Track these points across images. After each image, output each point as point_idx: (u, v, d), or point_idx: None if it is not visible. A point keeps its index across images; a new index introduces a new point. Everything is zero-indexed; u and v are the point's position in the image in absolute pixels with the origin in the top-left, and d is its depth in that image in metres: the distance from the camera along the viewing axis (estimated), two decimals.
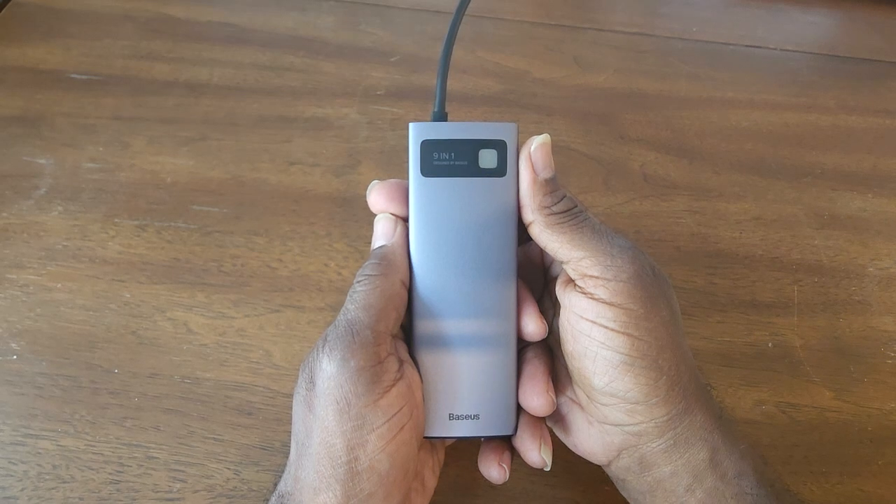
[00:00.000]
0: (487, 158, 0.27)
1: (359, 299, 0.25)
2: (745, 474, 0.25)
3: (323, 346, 0.25)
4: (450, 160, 0.27)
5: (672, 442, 0.25)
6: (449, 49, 0.27)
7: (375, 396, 0.24)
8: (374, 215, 0.28)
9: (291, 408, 0.26)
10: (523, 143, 0.27)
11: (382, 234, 0.27)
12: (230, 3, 0.57)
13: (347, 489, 0.23)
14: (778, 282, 0.41)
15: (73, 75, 0.50)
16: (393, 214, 0.28)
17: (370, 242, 0.28)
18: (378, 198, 0.28)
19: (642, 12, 0.61)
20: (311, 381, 0.24)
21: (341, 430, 0.23)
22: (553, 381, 0.27)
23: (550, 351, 0.29)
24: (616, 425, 0.26)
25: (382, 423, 0.24)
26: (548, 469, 0.27)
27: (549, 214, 0.26)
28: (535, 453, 0.27)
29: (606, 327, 0.25)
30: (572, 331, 0.26)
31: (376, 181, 0.28)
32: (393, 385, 0.25)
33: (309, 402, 0.24)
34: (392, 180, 0.28)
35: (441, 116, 0.28)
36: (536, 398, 0.27)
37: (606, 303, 0.25)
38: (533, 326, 0.27)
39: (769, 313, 0.40)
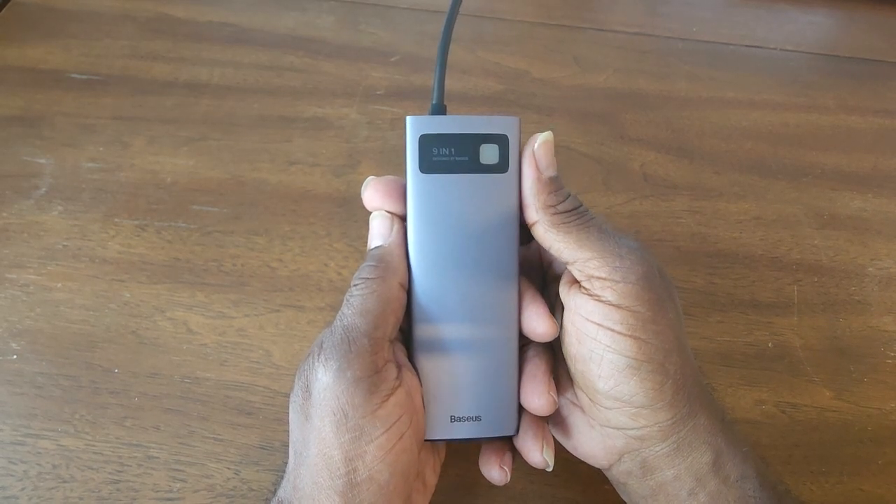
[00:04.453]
0: (489, 154, 0.26)
1: (356, 304, 0.25)
2: (747, 477, 0.25)
3: (319, 355, 0.24)
4: (449, 155, 0.26)
5: (675, 446, 0.25)
6: (447, 38, 0.26)
7: (373, 407, 0.23)
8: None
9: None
10: (525, 139, 0.27)
11: (379, 233, 0.27)
12: (230, 3, 0.57)
13: (347, 500, 0.23)
14: (778, 282, 0.41)
15: (73, 75, 0.50)
16: (389, 212, 0.27)
17: None
18: (374, 194, 0.27)
19: (642, 12, 0.61)
20: (307, 390, 0.24)
21: (339, 441, 0.23)
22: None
23: (552, 349, 0.29)
24: (619, 429, 0.26)
25: (381, 433, 0.23)
26: (550, 469, 0.27)
27: (554, 214, 0.25)
28: (538, 454, 0.27)
29: (613, 330, 0.24)
30: (577, 333, 0.25)
31: (371, 177, 0.27)
32: (391, 394, 0.24)
33: (305, 411, 0.24)
34: (388, 177, 0.27)
35: (440, 109, 0.27)
36: (538, 398, 0.26)
37: (614, 305, 0.24)
38: (544, 328, 0.26)
39: (769, 313, 0.40)
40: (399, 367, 0.25)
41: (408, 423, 0.25)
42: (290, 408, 0.25)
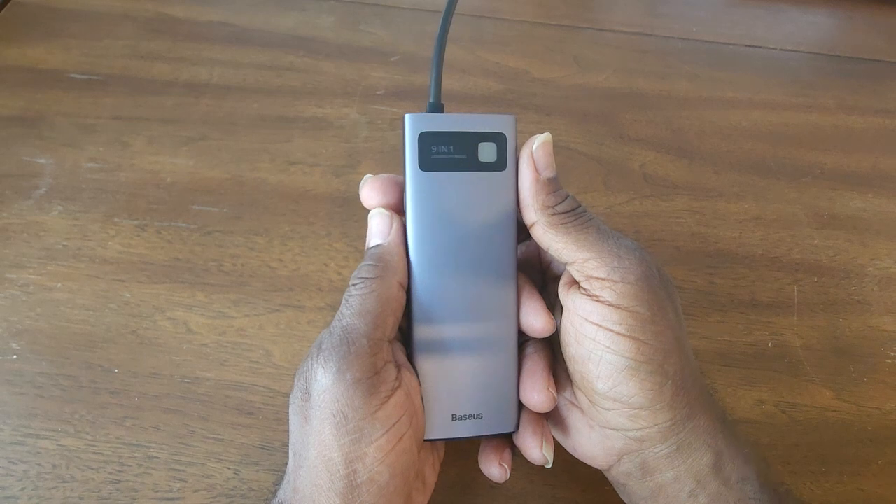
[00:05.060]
0: (487, 152, 0.26)
1: (355, 304, 0.24)
2: (748, 479, 0.25)
3: (317, 356, 0.24)
4: (449, 153, 0.26)
5: (675, 447, 0.25)
6: (443, 36, 0.26)
7: (373, 408, 0.23)
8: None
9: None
10: (522, 139, 0.27)
11: (378, 231, 0.26)
12: (230, 3, 0.57)
13: (347, 502, 0.23)
14: (778, 282, 0.41)
15: (73, 75, 0.50)
16: (387, 210, 0.27)
17: None
18: (371, 192, 0.27)
19: (642, 12, 0.61)
20: (307, 392, 0.24)
21: (339, 443, 0.23)
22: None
23: (550, 346, 0.29)
24: (618, 430, 0.26)
25: (381, 434, 0.23)
26: (549, 466, 0.27)
27: (552, 214, 0.25)
28: (537, 451, 0.27)
29: (612, 331, 0.24)
30: (576, 334, 0.25)
31: (369, 175, 0.27)
32: (391, 395, 0.24)
33: (305, 413, 0.24)
34: (385, 175, 0.27)
35: (437, 107, 0.27)
36: (537, 394, 0.26)
37: (613, 305, 0.24)
38: (541, 324, 0.26)
39: (769, 313, 0.40)
40: (398, 368, 0.25)
41: (407, 423, 0.24)
42: (290, 409, 0.25)
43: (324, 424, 0.23)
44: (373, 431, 0.23)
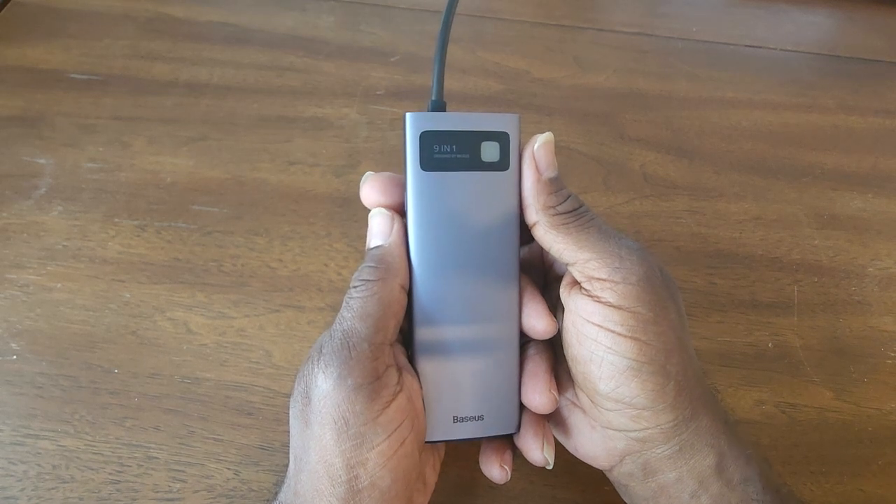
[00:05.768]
0: (490, 151, 0.26)
1: (356, 307, 0.24)
2: (750, 480, 0.25)
3: (318, 360, 0.24)
4: (451, 153, 0.25)
5: (678, 448, 0.25)
6: (446, 32, 0.26)
7: (374, 414, 0.23)
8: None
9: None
10: (525, 139, 0.27)
11: (378, 231, 0.26)
12: (230, 3, 0.57)
13: None
14: (778, 282, 0.41)
15: (73, 75, 0.50)
16: (388, 210, 0.26)
17: None
18: (371, 191, 0.27)
19: (642, 12, 0.61)
20: (307, 397, 0.24)
21: (340, 449, 0.23)
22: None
23: (552, 347, 0.29)
24: (620, 430, 0.26)
25: (383, 440, 0.23)
26: (550, 467, 0.27)
27: (554, 215, 0.25)
28: (538, 452, 0.26)
29: (613, 331, 0.24)
30: (577, 334, 0.25)
31: (370, 173, 0.27)
32: (393, 399, 0.24)
33: (305, 418, 0.24)
34: (386, 173, 0.27)
35: (440, 106, 0.26)
36: (539, 396, 0.26)
37: (614, 306, 0.24)
38: (543, 325, 0.26)
39: (769, 313, 0.40)
40: (399, 371, 0.25)
41: (409, 427, 0.24)
42: (290, 413, 0.25)
43: (325, 430, 0.23)
44: (374, 437, 0.23)
